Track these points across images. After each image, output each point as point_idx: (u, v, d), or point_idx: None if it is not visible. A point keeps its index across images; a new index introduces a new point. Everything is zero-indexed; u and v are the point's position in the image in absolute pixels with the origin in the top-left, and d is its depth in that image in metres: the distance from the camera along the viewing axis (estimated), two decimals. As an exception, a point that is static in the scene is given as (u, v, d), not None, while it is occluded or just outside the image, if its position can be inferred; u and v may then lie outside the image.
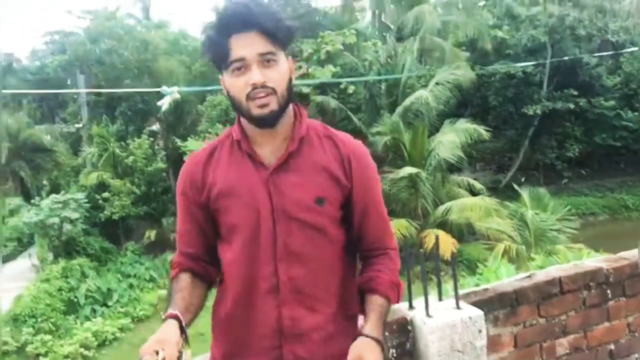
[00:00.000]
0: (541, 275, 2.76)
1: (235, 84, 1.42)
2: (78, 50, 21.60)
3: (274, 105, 1.41)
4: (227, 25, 1.39)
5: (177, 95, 8.57)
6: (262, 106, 1.40)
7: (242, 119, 1.49)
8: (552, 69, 22.50)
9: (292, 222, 1.46)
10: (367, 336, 1.44)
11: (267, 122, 1.43)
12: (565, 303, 2.73)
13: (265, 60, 1.39)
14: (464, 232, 17.11)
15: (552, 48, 22.46)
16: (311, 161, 1.48)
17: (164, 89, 8.47)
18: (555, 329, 2.71)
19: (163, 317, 1.39)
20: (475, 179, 18.75)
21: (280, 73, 1.42)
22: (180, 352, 1.30)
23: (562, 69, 22.48)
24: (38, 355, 12.74)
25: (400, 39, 21.51)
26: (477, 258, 14.98)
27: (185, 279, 1.54)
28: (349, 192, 1.50)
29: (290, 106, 1.49)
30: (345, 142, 1.52)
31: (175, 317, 1.38)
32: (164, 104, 8.46)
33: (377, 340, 1.45)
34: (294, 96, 1.49)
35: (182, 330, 1.36)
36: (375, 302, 1.52)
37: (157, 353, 1.26)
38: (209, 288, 1.61)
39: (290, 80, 1.46)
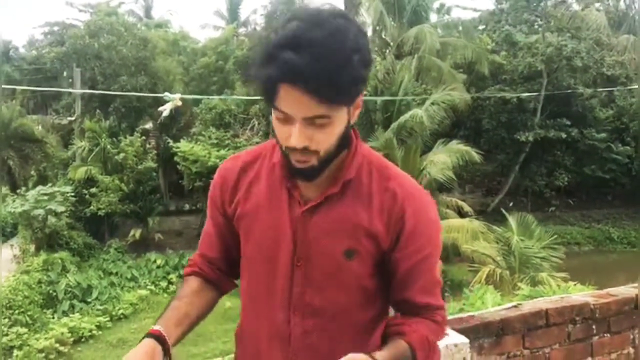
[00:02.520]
0: (528, 306, 2.77)
1: (277, 128, 1.20)
2: (76, 43, 21.50)
3: (314, 161, 1.21)
4: (276, 68, 1.11)
5: (179, 103, 8.55)
6: (301, 162, 1.21)
7: None
8: (547, 98, 22.71)
9: (313, 272, 1.29)
10: (371, 356, 1.21)
11: (305, 176, 1.25)
12: (550, 336, 2.73)
13: (314, 122, 1.16)
14: (449, 253, 17.14)
15: (548, 76, 22.69)
16: (352, 208, 1.28)
17: (167, 95, 8.44)
18: (539, 362, 2.71)
19: (150, 329, 1.29)
20: (463, 201, 18.82)
21: (330, 134, 1.18)
22: None
23: (556, 98, 22.70)
24: (12, 347, 12.53)
25: (399, 56, 21.64)
26: (460, 280, 15.03)
27: (193, 284, 1.44)
28: (393, 249, 1.30)
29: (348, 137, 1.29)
30: (405, 190, 1.29)
31: (156, 335, 1.25)
32: (166, 109, 8.43)
33: None
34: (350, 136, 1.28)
35: (165, 349, 1.24)
36: (397, 344, 1.29)
37: None
38: (219, 295, 1.49)
39: (345, 129, 1.23)
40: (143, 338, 1.25)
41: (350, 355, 1.17)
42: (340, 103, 1.16)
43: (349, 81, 1.13)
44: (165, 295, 16.29)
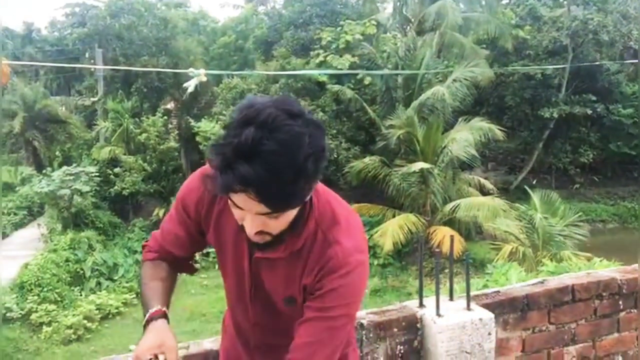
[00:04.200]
0: (554, 282, 2.75)
1: (233, 210, 1.26)
2: (98, 24, 21.63)
3: (267, 239, 1.30)
4: (229, 180, 1.14)
5: (204, 78, 8.52)
6: (258, 240, 1.30)
7: None
8: (572, 73, 22.25)
9: (263, 308, 1.48)
10: None
11: (258, 247, 1.34)
12: (576, 311, 2.72)
13: (268, 216, 1.22)
14: (471, 231, 17.09)
15: (573, 51, 22.21)
16: (292, 267, 1.38)
17: (192, 70, 8.43)
18: (565, 337, 2.70)
19: (152, 310, 1.40)
20: (486, 179, 18.67)
21: (282, 223, 1.26)
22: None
23: (581, 73, 22.24)
24: (41, 324, 12.88)
25: (420, 32, 21.33)
26: (483, 257, 14.97)
27: (165, 269, 1.56)
28: (309, 293, 1.38)
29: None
30: (344, 257, 1.33)
31: (165, 316, 1.40)
32: (190, 85, 8.41)
33: None
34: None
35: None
36: None
37: (157, 357, 1.27)
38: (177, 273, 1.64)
39: (299, 211, 1.29)
40: (158, 318, 1.39)
41: None
42: (291, 209, 1.23)
43: (301, 189, 1.18)
44: (189, 273, 16.51)
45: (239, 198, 1.18)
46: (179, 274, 1.62)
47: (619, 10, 22.36)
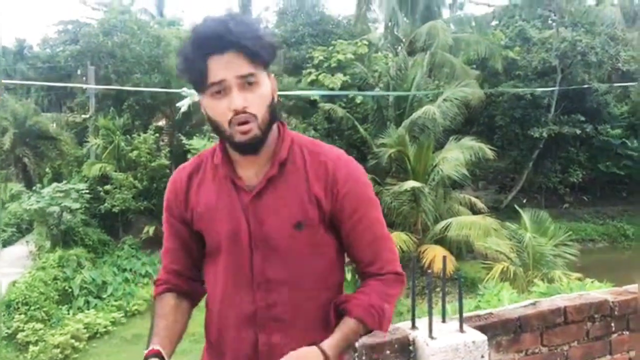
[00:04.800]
0: (546, 304, 2.76)
1: (215, 108, 1.34)
2: (90, 41, 21.64)
3: (255, 130, 1.34)
4: (204, 45, 1.30)
5: (197, 98, 8.57)
6: (244, 132, 1.34)
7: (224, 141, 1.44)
8: (561, 93, 22.51)
9: (269, 249, 1.41)
10: (319, 347, 1.36)
11: (250, 148, 1.38)
12: (568, 333, 2.72)
13: (247, 83, 1.32)
14: (462, 250, 17.09)
15: (562, 72, 22.48)
16: (292, 184, 1.42)
17: (185, 90, 8.44)
18: (557, 359, 2.70)
19: (146, 351, 1.40)
20: (477, 197, 18.74)
21: (261, 96, 1.35)
22: None
23: (570, 93, 22.50)
24: (28, 343, 12.69)
25: (411, 52, 21.55)
26: (474, 276, 14.96)
27: (169, 301, 1.53)
28: (334, 212, 1.43)
29: (275, 126, 1.43)
30: (333, 160, 1.44)
31: (158, 355, 1.39)
32: (183, 105, 8.42)
33: (326, 355, 1.36)
34: (278, 114, 1.45)
35: None
36: (345, 323, 1.42)
37: None
38: (193, 305, 1.60)
39: (272, 101, 1.39)
40: (150, 358, 1.38)
41: (298, 351, 1.34)
42: (262, 59, 1.34)
43: (266, 43, 1.34)
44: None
45: (218, 67, 1.30)
46: (188, 301, 1.56)
47: (607, 33, 22.71)
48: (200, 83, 1.33)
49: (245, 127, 1.33)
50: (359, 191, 1.45)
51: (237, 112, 1.32)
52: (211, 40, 1.29)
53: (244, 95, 1.32)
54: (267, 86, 1.37)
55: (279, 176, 1.41)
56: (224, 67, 1.29)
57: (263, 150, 1.40)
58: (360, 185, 1.46)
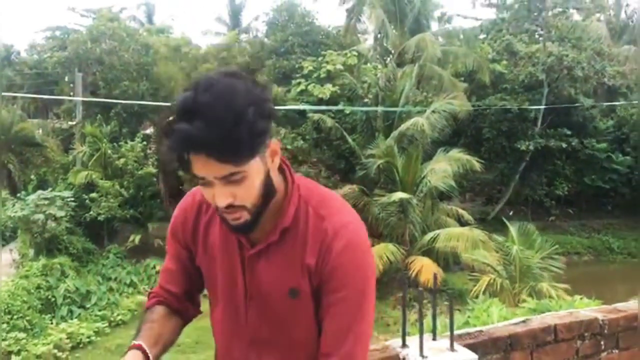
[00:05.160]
0: (536, 322, 2.74)
1: (203, 191, 1.27)
2: (78, 48, 21.53)
3: (246, 216, 1.26)
4: (178, 145, 1.17)
5: None
6: (235, 219, 1.26)
7: None
8: (548, 107, 22.73)
9: (264, 308, 1.38)
10: None
11: (243, 231, 1.31)
12: (558, 352, 2.71)
13: (230, 179, 1.20)
14: (449, 262, 17.12)
15: (549, 86, 22.73)
16: (289, 251, 1.33)
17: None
18: (547, 377, 2.69)
19: (129, 346, 1.35)
20: (464, 209, 18.80)
21: (249, 187, 1.23)
22: None
23: (557, 107, 22.73)
24: (10, 352, 12.48)
25: (400, 64, 21.69)
26: (461, 288, 14.99)
27: (159, 311, 1.49)
28: (320, 284, 1.32)
29: (281, 185, 1.34)
30: (336, 228, 1.30)
31: (139, 348, 1.33)
32: None
33: None
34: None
35: (147, 358, 1.32)
36: None
37: None
38: (184, 324, 1.55)
39: (266, 178, 1.26)
40: (127, 351, 1.33)
41: None
42: (244, 159, 1.19)
43: (246, 136, 1.16)
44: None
45: (196, 166, 1.19)
46: (178, 318, 1.52)
47: (593, 48, 23.00)
48: (186, 171, 1.23)
49: (234, 216, 1.26)
50: (349, 269, 1.30)
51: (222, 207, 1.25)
52: (183, 142, 1.16)
53: (229, 190, 1.22)
54: (257, 174, 1.23)
55: (279, 241, 1.34)
56: (203, 166, 1.18)
57: (267, 211, 1.31)
58: (355, 264, 1.31)
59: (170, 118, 1.20)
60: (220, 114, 1.13)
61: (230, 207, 1.23)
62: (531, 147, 22.40)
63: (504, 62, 23.55)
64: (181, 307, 1.52)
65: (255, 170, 1.23)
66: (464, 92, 21.82)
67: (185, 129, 1.13)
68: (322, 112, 19.86)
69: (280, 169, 1.34)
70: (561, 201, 24.29)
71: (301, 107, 19.13)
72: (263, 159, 1.24)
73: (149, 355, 1.33)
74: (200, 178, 1.22)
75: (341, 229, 1.31)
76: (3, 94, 23.34)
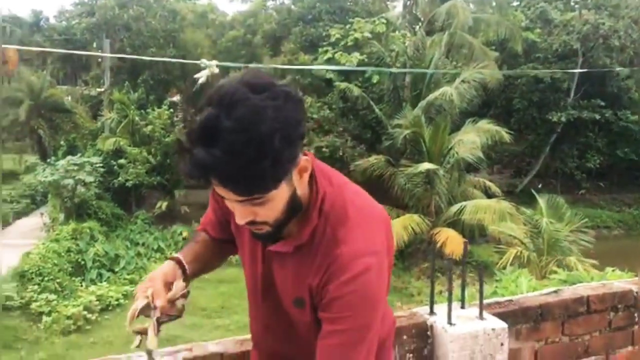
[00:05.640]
0: (568, 292, 2.66)
1: (227, 205, 1.21)
2: (106, 14, 21.58)
3: (268, 229, 1.21)
4: (191, 169, 1.08)
5: (216, 70, 8.39)
6: (257, 229, 1.23)
7: None
8: (581, 77, 22.12)
9: (274, 308, 1.38)
10: None
11: (263, 240, 1.29)
12: (590, 323, 2.64)
13: (251, 202, 1.13)
14: (475, 234, 16.99)
15: (583, 56, 22.08)
16: (298, 266, 1.28)
17: (204, 61, 8.30)
18: (578, 349, 2.62)
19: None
20: (491, 181, 18.56)
21: (272, 209, 1.16)
22: (170, 284, 1.31)
23: (591, 77, 22.11)
24: (41, 313, 12.82)
25: (429, 32, 21.23)
26: (486, 260, 14.87)
27: (203, 235, 1.53)
28: (319, 309, 1.26)
29: (308, 192, 1.24)
30: (348, 257, 1.20)
31: (177, 260, 1.37)
32: (202, 76, 8.29)
33: None
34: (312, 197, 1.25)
35: (183, 269, 1.35)
36: None
37: (146, 290, 1.30)
38: (227, 254, 1.56)
39: (292, 196, 1.18)
40: (167, 260, 1.38)
41: None
42: (266, 191, 1.11)
43: (270, 169, 1.06)
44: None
45: (216, 187, 1.11)
46: (222, 248, 1.54)
47: (631, 16, 22.22)
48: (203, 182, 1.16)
49: (255, 228, 1.22)
50: (351, 303, 1.20)
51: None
52: (199, 170, 1.07)
53: (250, 210, 1.16)
54: (281, 197, 1.15)
55: (292, 254, 1.28)
56: (221, 190, 1.12)
57: (291, 222, 1.26)
58: (356, 298, 1.20)
59: (189, 123, 1.13)
60: (241, 144, 1.03)
61: (251, 223, 1.19)
62: (563, 119, 21.90)
63: (538, 30, 22.92)
64: (219, 244, 1.54)
65: (280, 194, 1.15)
66: (495, 61, 21.32)
67: (202, 157, 1.04)
68: (349, 80, 19.62)
69: (310, 175, 1.24)
70: (592, 174, 23.82)
71: (329, 67, 18.82)
72: (289, 182, 1.16)
73: (186, 268, 1.35)
74: (220, 195, 1.16)
75: (351, 261, 1.20)
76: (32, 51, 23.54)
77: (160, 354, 1.30)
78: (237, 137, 1.02)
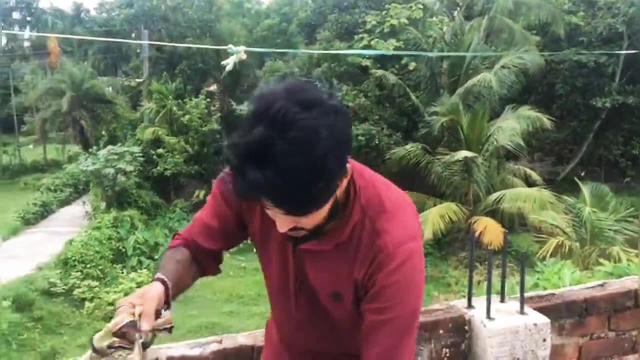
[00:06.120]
0: (615, 286, 2.54)
1: (268, 213, 1.19)
2: (144, 5, 21.85)
3: (305, 233, 1.21)
4: (241, 187, 1.07)
5: (244, 56, 8.33)
6: (295, 234, 1.22)
7: None
8: (627, 61, 21.29)
9: (310, 303, 1.36)
10: None
11: (296, 242, 1.27)
12: (638, 318, 2.51)
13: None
14: (514, 223, 16.62)
15: (629, 39, 21.27)
16: (338, 261, 1.27)
17: (231, 47, 8.26)
18: (625, 345, 2.50)
19: (150, 280, 1.29)
20: (532, 169, 18.13)
21: (313, 219, 1.16)
22: (159, 311, 1.20)
23: (637, 62, 21.27)
24: (84, 299, 13.15)
25: (468, 17, 20.74)
26: (526, 250, 14.54)
27: (185, 255, 1.41)
28: (365, 300, 1.27)
29: (345, 194, 1.23)
30: (391, 246, 1.22)
31: (163, 282, 1.25)
32: (229, 63, 8.25)
33: None
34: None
35: (167, 295, 1.24)
36: None
37: (134, 307, 1.18)
38: (201, 275, 1.47)
39: (333, 204, 1.18)
40: (152, 281, 1.27)
41: None
42: (313, 211, 1.11)
43: (323, 190, 1.08)
44: (227, 255, 16.68)
45: (263, 201, 1.10)
46: (198, 269, 1.44)
47: (681, -4, 21.27)
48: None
49: (294, 232, 1.20)
50: (398, 291, 1.22)
51: None
52: (252, 190, 1.06)
53: (293, 220, 1.15)
54: (326, 206, 1.16)
55: (331, 251, 1.28)
56: (268, 206, 1.11)
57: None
58: (404, 284, 1.23)
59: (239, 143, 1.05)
60: (297, 169, 1.01)
61: (291, 229, 1.18)
62: (607, 104, 21.17)
63: (581, 13, 22.13)
64: (205, 262, 1.46)
65: (326, 205, 1.16)
66: (536, 45, 20.70)
67: (255, 178, 1.02)
68: (385, 68, 19.37)
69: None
70: (638, 161, 22.99)
71: (364, 52, 18.55)
72: (329, 202, 1.17)
73: (169, 288, 1.25)
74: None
75: (395, 248, 1.22)
76: (75, 43, 24.01)
77: None
78: (292, 160, 1.01)
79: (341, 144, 1.06)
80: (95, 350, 1.13)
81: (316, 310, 1.36)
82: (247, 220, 1.39)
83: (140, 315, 1.16)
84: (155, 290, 1.21)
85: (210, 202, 1.43)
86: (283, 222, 1.15)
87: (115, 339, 1.14)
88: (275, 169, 1.01)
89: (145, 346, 1.15)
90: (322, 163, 1.03)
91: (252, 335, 1.99)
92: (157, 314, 1.19)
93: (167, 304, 1.24)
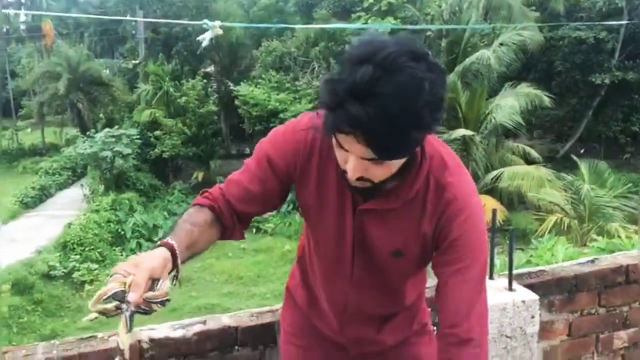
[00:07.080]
0: (606, 261, 2.52)
1: (335, 149, 1.19)
2: (139, -15, 21.58)
3: (369, 184, 1.21)
4: (339, 119, 1.07)
5: (219, 31, 8.20)
6: (359, 182, 1.21)
7: None
8: (627, 37, 21.11)
9: (369, 262, 1.40)
10: None
11: (361, 194, 1.28)
12: (629, 293, 2.50)
13: (371, 160, 1.14)
14: (513, 201, 16.62)
15: (629, 14, 21.04)
16: (405, 218, 1.31)
17: (206, 22, 8.11)
18: (615, 321, 2.49)
19: (160, 242, 1.23)
20: (531, 147, 18.06)
21: (386, 170, 1.18)
22: (154, 281, 1.12)
23: (637, 37, 21.09)
24: (83, 282, 13.21)
25: (466, -7, 20.52)
26: (525, 228, 14.57)
27: (206, 217, 1.36)
28: (438, 252, 1.32)
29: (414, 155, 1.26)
30: (460, 198, 1.28)
31: (171, 249, 1.19)
32: (205, 39, 8.12)
33: None
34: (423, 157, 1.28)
35: (174, 262, 1.19)
36: None
37: (128, 276, 1.10)
38: (222, 238, 1.43)
39: (406, 160, 1.20)
40: (156, 247, 1.21)
41: None
42: (396, 158, 1.15)
43: (414, 140, 1.12)
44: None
45: (345, 139, 1.11)
46: (218, 232, 1.39)
47: (682, -30, 21.01)
48: (328, 132, 1.15)
49: (358, 182, 1.20)
50: (472, 239, 1.30)
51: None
52: (350, 118, 1.05)
53: (365, 166, 1.15)
54: (399, 161, 1.18)
55: (396, 207, 1.31)
56: (351, 144, 1.11)
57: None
58: (476, 233, 1.30)
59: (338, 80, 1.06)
60: (397, 112, 1.04)
61: (358, 178, 1.18)
62: (607, 81, 21.02)
63: (581, -12, 21.89)
64: (231, 225, 1.41)
65: (398, 161, 1.19)
66: (535, 22, 20.49)
67: (357, 111, 1.04)
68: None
69: None
70: (637, 138, 22.91)
71: (361, 26, 18.39)
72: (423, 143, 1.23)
73: (177, 254, 1.20)
74: (340, 145, 1.14)
75: (465, 200, 1.29)
76: (70, 25, 23.81)
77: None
78: (395, 103, 1.04)
79: (438, 101, 1.09)
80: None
81: (373, 270, 1.41)
82: (300, 187, 1.38)
83: (129, 285, 1.10)
84: (156, 257, 1.15)
85: (253, 167, 1.38)
86: (355, 169, 1.15)
87: (106, 305, 1.10)
88: (377, 108, 1.03)
89: (146, 313, 1.12)
90: (420, 113, 1.06)
91: (236, 316, 1.97)
92: (153, 284, 1.12)
93: (176, 269, 1.19)
